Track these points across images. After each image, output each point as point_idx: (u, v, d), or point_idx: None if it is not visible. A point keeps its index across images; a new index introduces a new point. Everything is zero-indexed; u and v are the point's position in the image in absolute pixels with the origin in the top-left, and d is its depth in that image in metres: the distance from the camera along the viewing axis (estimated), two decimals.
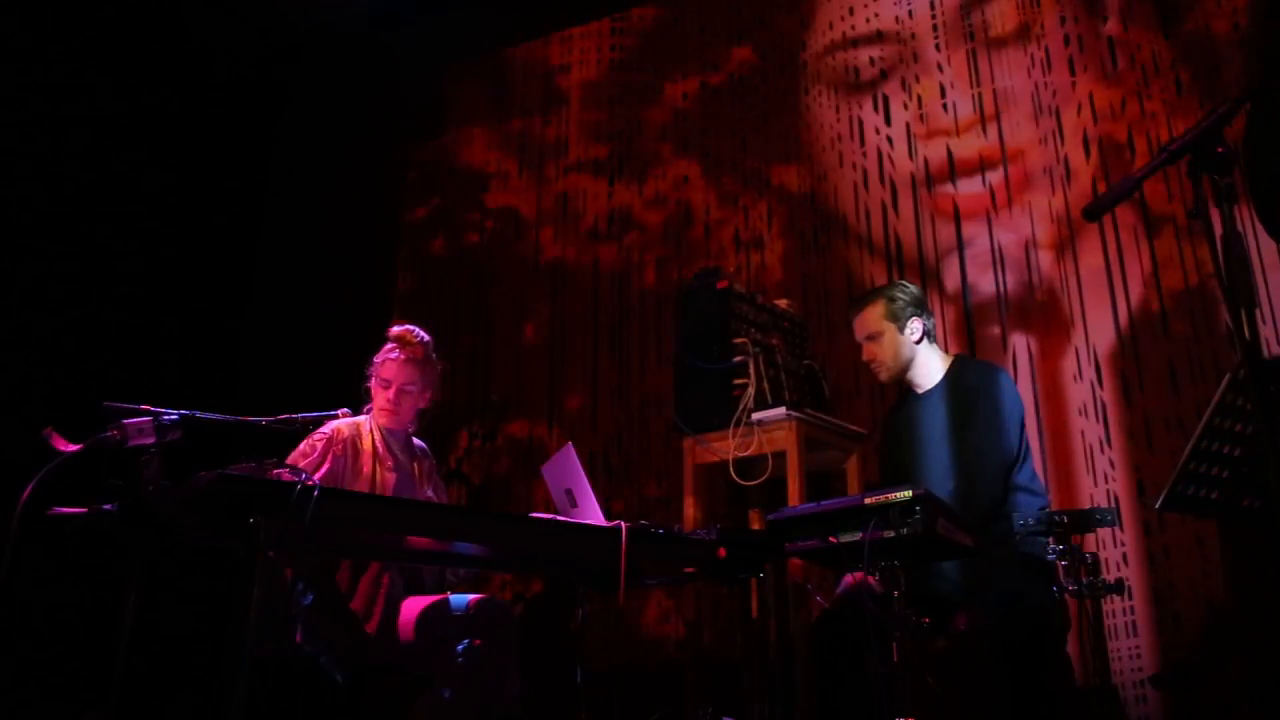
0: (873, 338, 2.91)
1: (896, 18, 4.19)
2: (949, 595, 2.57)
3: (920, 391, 2.92)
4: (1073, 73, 3.76)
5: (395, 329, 2.99)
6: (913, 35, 4.15)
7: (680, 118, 4.61)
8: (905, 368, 2.91)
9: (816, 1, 4.42)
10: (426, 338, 3.00)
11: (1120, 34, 3.73)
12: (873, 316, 2.91)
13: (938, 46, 4.08)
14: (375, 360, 2.95)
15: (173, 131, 5.06)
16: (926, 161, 3.97)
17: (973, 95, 3.92)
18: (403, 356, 2.90)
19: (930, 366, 2.91)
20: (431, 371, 2.96)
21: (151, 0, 4.97)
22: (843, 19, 4.33)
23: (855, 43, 4.27)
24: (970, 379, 2.84)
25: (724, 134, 4.48)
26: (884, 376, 2.96)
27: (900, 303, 2.90)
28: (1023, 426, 2.74)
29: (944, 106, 3.97)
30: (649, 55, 4.78)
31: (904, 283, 3.04)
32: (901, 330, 2.89)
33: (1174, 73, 3.57)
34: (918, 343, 2.90)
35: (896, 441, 3.00)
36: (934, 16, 4.11)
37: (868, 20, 4.26)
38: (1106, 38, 3.75)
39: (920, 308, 2.93)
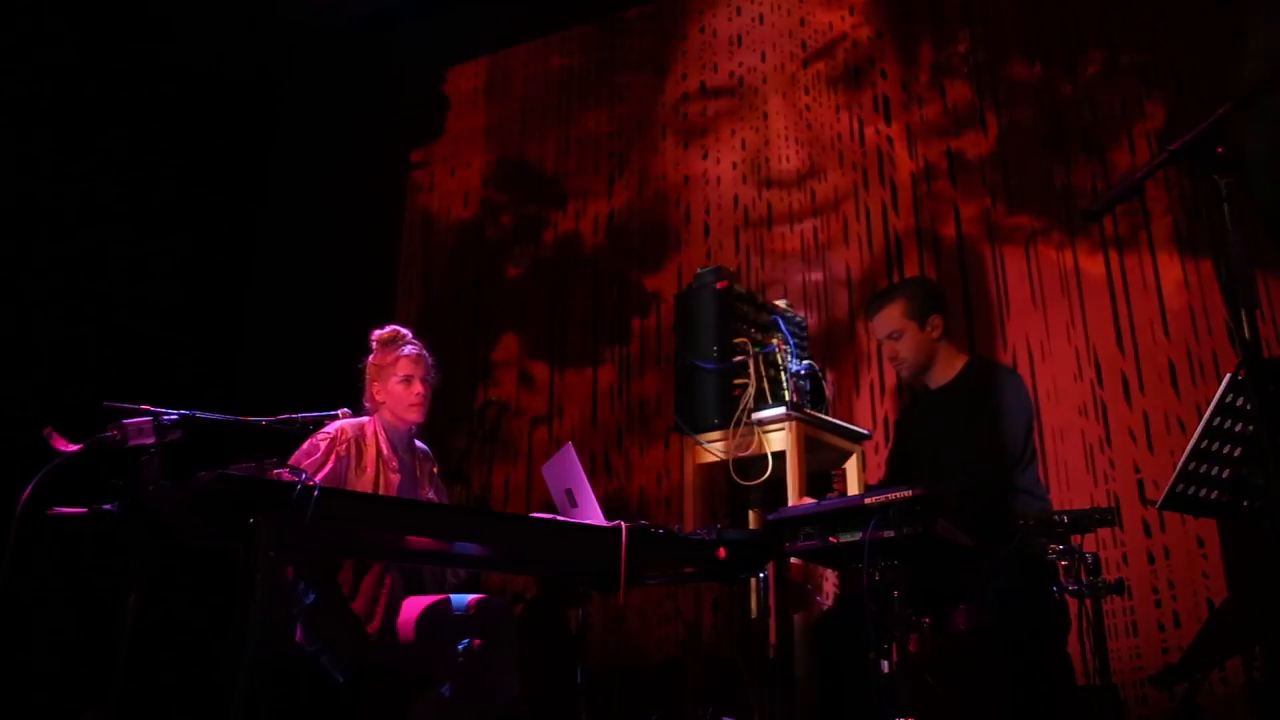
0: (894, 336, 2.91)
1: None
2: (949, 595, 2.57)
3: (934, 388, 2.93)
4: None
5: (383, 331, 2.96)
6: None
7: (680, 115, 4.60)
8: (927, 365, 2.93)
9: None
10: None
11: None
12: (894, 315, 2.91)
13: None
14: (379, 363, 2.93)
15: (172, 131, 5.06)
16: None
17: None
18: (414, 351, 2.92)
19: (946, 364, 2.92)
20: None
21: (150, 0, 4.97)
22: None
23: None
24: (981, 379, 2.84)
25: (722, 132, 4.48)
26: (907, 374, 2.98)
27: (920, 300, 2.91)
28: (1029, 430, 2.74)
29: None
30: (649, 54, 4.78)
31: (921, 279, 3.03)
32: (922, 328, 2.89)
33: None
34: (937, 340, 2.91)
35: (904, 437, 3.03)
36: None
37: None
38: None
39: (939, 304, 2.94)
